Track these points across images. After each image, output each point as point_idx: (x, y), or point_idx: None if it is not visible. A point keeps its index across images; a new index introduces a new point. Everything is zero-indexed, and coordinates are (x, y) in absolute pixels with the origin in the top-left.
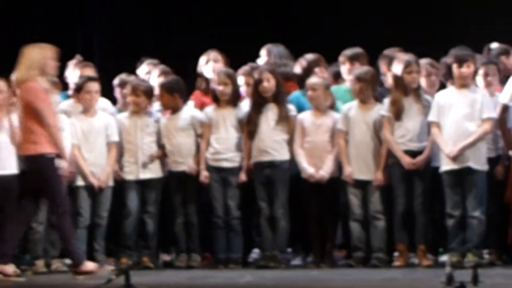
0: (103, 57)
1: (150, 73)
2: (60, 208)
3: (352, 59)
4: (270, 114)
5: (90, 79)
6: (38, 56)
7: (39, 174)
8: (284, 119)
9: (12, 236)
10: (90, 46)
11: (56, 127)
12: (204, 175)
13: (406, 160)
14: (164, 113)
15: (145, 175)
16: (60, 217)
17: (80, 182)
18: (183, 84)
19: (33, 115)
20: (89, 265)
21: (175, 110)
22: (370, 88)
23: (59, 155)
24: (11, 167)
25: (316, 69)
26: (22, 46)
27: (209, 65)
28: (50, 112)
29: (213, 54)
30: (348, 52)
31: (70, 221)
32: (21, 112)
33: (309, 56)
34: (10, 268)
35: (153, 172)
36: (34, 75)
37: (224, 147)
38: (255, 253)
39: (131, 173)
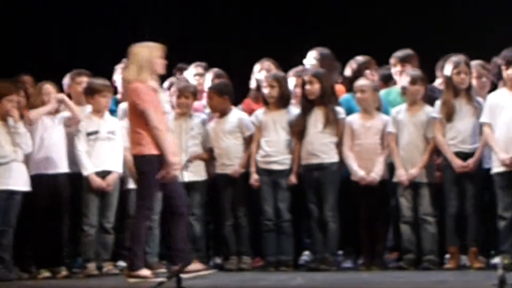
0: None
1: (199, 75)
2: (144, 211)
3: (403, 60)
4: (318, 117)
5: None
6: (146, 55)
7: (139, 174)
8: (332, 122)
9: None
10: None
11: (162, 127)
12: (255, 178)
13: (457, 163)
14: (212, 115)
15: (190, 177)
16: (139, 218)
17: (130, 185)
18: (232, 87)
19: (138, 115)
20: (144, 271)
21: (223, 113)
22: (422, 90)
23: (162, 157)
24: (62, 167)
25: (366, 72)
26: (73, 48)
27: (262, 74)
28: (157, 112)
29: (266, 64)
30: (399, 53)
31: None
32: (128, 112)
33: (359, 59)
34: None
35: (198, 174)
36: (141, 75)
37: (274, 150)
38: (306, 255)
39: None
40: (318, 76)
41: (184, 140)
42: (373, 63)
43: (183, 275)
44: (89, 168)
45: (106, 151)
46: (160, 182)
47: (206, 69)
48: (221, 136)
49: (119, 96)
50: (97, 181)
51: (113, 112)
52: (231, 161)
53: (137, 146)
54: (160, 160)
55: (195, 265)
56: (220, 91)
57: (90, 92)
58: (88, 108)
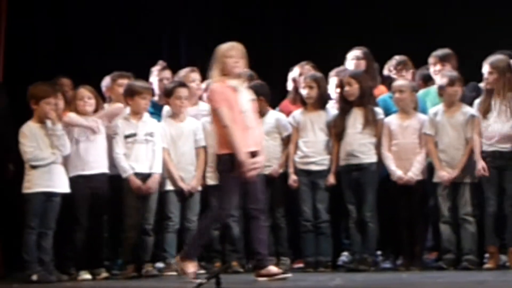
0: (188, 63)
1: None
2: (221, 211)
3: (443, 60)
4: (357, 117)
5: (180, 84)
6: (220, 54)
7: (218, 173)
8: (371, 122)
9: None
10: (176, 50)
11: (235, 126)
12: (293, 178)
13: (481, 164)
14: None
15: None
16: (214, 218)
17: (169, 187)
18: (268, 88)
19: (215, 116)
20: (273, 269)
21: (260, 114)
22: (460, 91)
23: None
24: (102, 167)
25: (403, 72)
26: (111, 50)
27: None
28: (233, 111)
29: (306, 67)
30: (439, 53)
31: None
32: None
33: (397, 58)
34: (274, 268)
35: None
36: (218, 74)
37: (313, 151)
38: (345, 256)
39: (213, 178)
40: (356, 77)
41: None
42: (410, 63)
43: (260, 279)
44: (128, 170)
45: (144, 153)
46: (241, 181)
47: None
48: None
49: (156, 98)
50: (137, 182)
51: (151, 114)
52: (269, 162)
53: (216, 146)
54: (232, 159)
55: (272, 269)
56: (256, 92)
57: (130, 94)
58: (127, 110)
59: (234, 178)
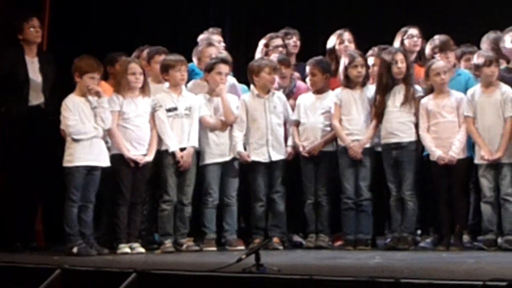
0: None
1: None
2: None
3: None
4: (397, 95)
5: (222, 60)
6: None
7: None
8: (411, 100)
9: None
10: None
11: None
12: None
13: None
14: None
15: (274, 156)
16: None
17: (208, 161)
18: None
19: None
20: None
21: (322, 91)
22: (497, 71)
23: None
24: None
25: (447, 53)
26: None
27: (342, 46)
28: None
29: (346, 34)
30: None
31: None
32: None
33: (440, 38)
34: None
35: (281, 152)
36: None
37: (356, 128)
38: (386, 234)
39: (259, 155)
40: (406, 54)
41: (269, 118)
42: (451, 43)
43: None
44: (174, 145)
45: (184, 127)
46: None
47: None
48: (316, 112)
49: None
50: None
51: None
52: (313, 139)
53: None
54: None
55: None
56: (324, 69)
57: (165, 69)
58: (166, 84)
59: None
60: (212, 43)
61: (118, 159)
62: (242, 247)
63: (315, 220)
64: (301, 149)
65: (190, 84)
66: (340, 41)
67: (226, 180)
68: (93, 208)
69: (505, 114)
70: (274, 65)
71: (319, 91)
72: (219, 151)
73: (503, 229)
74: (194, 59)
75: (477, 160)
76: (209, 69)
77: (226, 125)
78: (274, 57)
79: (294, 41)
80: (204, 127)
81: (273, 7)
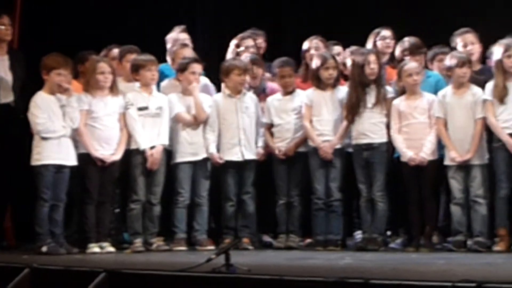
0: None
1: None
2: None
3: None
4: (369, 96)
5: (195, 60)
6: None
7: None
8: (382, 101)
9: None
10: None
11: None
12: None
13: None
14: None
15: (245, 155)
16: None
17: (179, 159)
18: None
19: None
20: None
21: (291, 91)
22: (469, 72)
23: None
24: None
25: (416, 55)
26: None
27: (311, 52)
28: None
29: (314, 42)
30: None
31: None
32: None
33: (410, 40)
34: None
35: (253, 153)
36: None
37: (327, 129)
38: (358, 235)
39: (232, 154)
40: (378, 55)
41: (240, 118)
42: (421, 45)
43: None
44: (144, 143)
45: (155, 127)
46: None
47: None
48: (288, 113)
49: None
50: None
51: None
52: (289, 139)
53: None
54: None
55: None
56: (295, 70)
57: (135, 69)
58: (137, 83)
59: None
60: (187, 43)
61: (85, 158)
62: (212, 247)
63: (286, 221)
64: (276, 151)
65: (165, 83)
66: (308, 47)
67: (197, 180)
68: (64, 207)
69: (476, 116)
70: (244, 66)
71: (287, 93)
72: (191, 150)
73: (473, 231)
74: (168, 59)
75: (447, 162)
76: (182, 68)
77: (198, 122)
78: (246, 57)
79: (259, 43)
80: (176, 126)
81: (243, 6)
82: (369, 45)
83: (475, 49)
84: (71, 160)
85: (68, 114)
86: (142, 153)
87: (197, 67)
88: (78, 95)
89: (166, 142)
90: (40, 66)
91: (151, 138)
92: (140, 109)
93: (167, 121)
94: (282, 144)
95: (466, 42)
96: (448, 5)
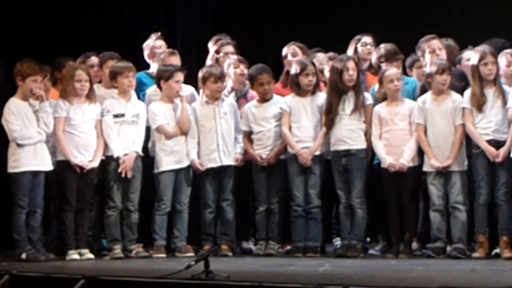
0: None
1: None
2: None
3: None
4: (347, 103)
5: (180, 69)
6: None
7: None
8: (361, 108)
9: None
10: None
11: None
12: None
13: (492, 151)
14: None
15: (224, 161)
16: None
17: (162, 168)
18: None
19: None
20: None
21: (269, 98)
22: (449, 79)
23: None
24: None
25: (393, 61)
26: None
27: (289, 58)
28: None
29: (292, 48)
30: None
31: None
32: None
33: (386, 47)
34: None
35: (231, 159)
36: None
37: (306, 135)
38: (338, 241)
39: (211, 161)
40: (356, 62)
41: (219, 124)
42: (397, 51)
43: None
44: (120, 150)
45: (131, 134)
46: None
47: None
48: (268, 120)
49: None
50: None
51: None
52: (270, 147)
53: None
54: None
55: None
56: (273, 77)
57: (113, 76)
58: (115, 91)
59: None
60: (174, 51)
61: (63, 165)
62: (192, 254)
63: (266, 228)
64: (258, 158)
65: (151, 90)
66: (286, 53)
67: (179, 187)
68: (42, 213)
69: (456, 122)
70: (220, 73)
71: (266, 100)
72: (175, 157)
73: (452, 237)
74: (153, 66)
75: (426, 168)
76: (167, 77)
77: (182, 133)
78: (232, 58)
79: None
80: (159, 135)
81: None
82: (350, 51)
83: (442, 54)
84: (46, 165)
85: (42, 119)
86: (117, 160)
87: (181, 76)
88: (51, 100)
89: (139, 149)
90: (14, 73)
91: (126, 145)
92: (116, 116)
93: (143, 129)
94: (263, 151)
95: (433, 48)
96: (429, 13)
